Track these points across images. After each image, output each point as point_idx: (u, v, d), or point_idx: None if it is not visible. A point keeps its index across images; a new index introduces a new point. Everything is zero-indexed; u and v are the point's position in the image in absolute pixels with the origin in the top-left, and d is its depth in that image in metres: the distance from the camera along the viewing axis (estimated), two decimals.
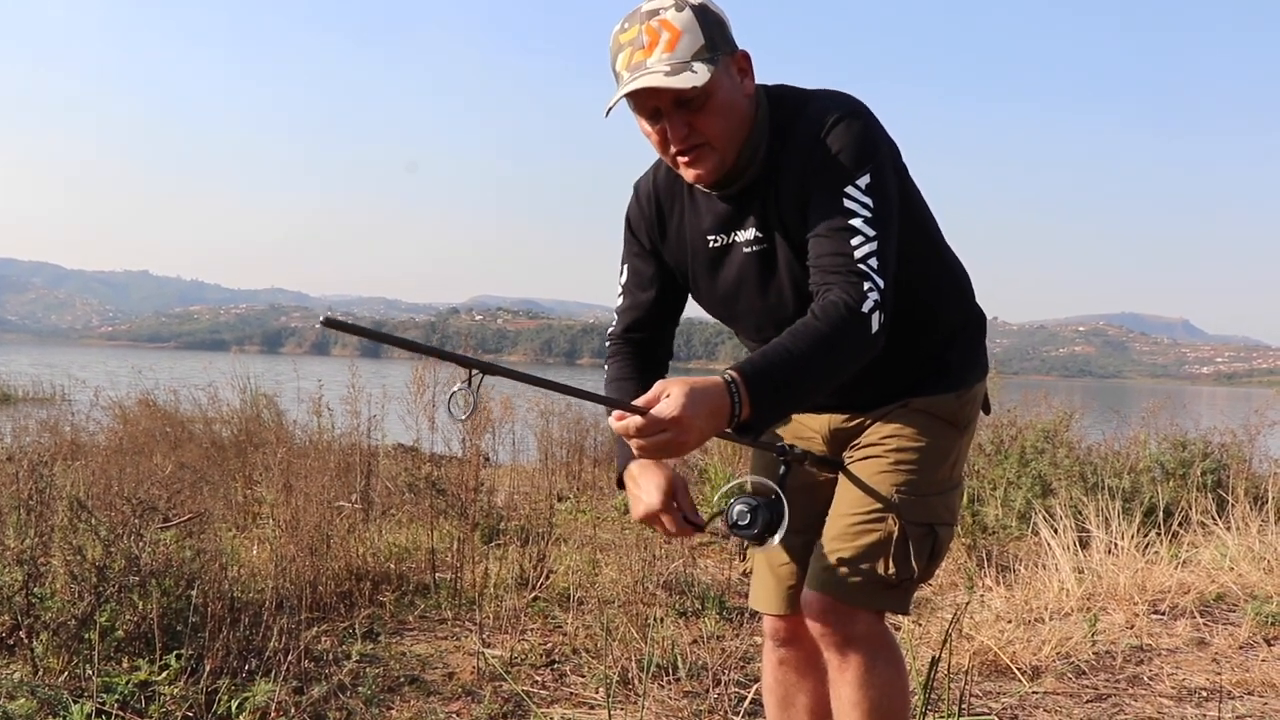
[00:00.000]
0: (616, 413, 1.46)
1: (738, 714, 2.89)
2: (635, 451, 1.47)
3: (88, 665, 2.62)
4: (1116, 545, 4.66)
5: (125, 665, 2.73)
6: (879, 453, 1.80)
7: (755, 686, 2.90)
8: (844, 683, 1.74)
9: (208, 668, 2.66)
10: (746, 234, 1.74)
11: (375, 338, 1.36)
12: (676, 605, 3.92)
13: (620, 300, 1.94)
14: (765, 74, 1.73)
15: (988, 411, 1.98)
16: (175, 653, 2.74)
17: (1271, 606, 3.98)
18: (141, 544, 3.02)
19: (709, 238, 1.79)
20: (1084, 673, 3.41)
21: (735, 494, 1.76)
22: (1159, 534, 5.01)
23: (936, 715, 2.74)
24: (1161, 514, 5.28)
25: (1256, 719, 3.06)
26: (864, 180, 1.61)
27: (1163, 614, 4.12)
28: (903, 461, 1.77)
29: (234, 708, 2.58)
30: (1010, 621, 3.81)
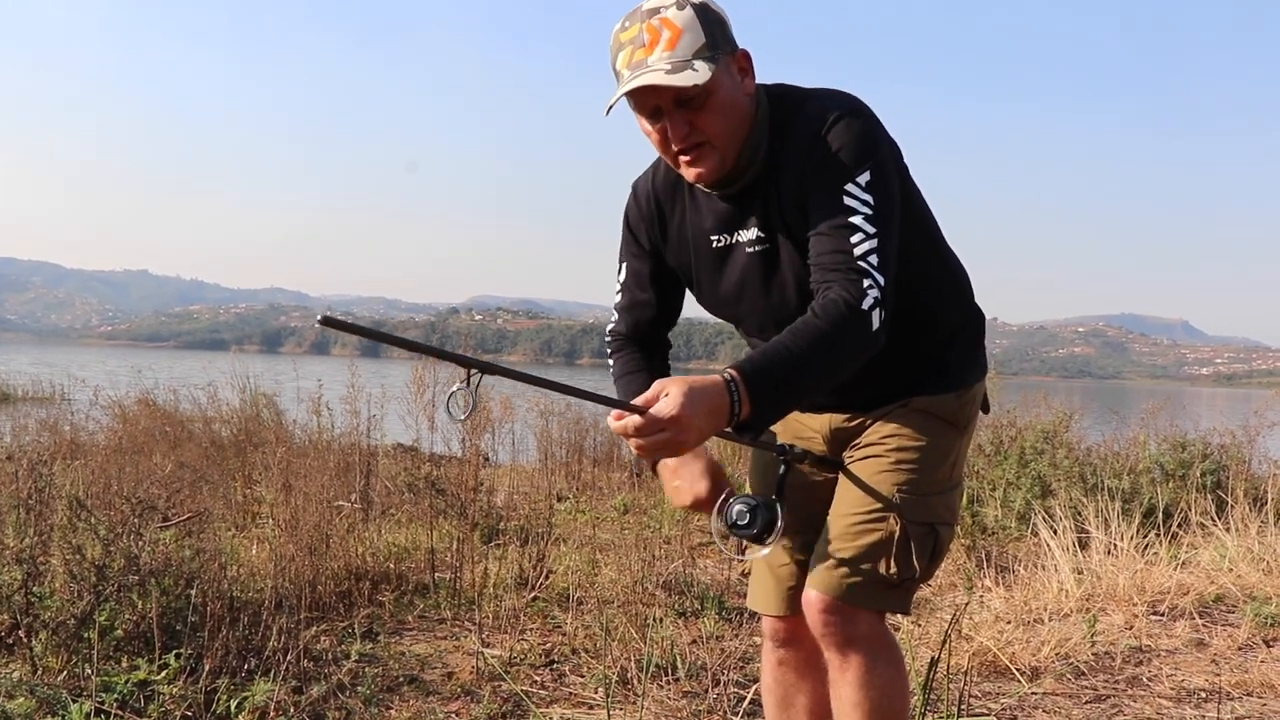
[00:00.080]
0: (615, 412, 1.46)
1: (737, 714, 2.89)
2: (634, 451, 1.47)
3: (87, 664, 2.62)
4: (1116, 546, 4.66)
5: (124, 664, 2.73)
6: (879, 452, 1.80)
7: (754, 687, 2.90)
8: (844, 683, 1.74)
9: (207, 667, 2.65)
10: (749, 234, 1.74)
11: (372, 336, 1.36)
12: (676, 605, 3.92)
13: (618, 298, 1.94)
14: (765, 74, 1.72)
15: (987, 411, 1.98)
16: (174, 652, 2.74)
17: (1270, 608, 3.98)
18: (141, 543, 3.01)
19: (712, 238, 1.79)
20: (1083, 673, 3.41)
21: (734, 494, 1.76)
22: (1158, 535, 5.02)
23: (936, 716, 2.74)
24: (1161, 515, 5.28)
25: None
26: (864, 178, 1.61)
27: (1162, 615, 4.12)
28: (903, 461, 1.77)
29: (233, 707, 2.58)
30: (1009, 622, 3.81)
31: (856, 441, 1.86)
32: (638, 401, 1.45)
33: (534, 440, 8.55)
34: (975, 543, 5.20)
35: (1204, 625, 4.00)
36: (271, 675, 2.76)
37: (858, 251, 1.57)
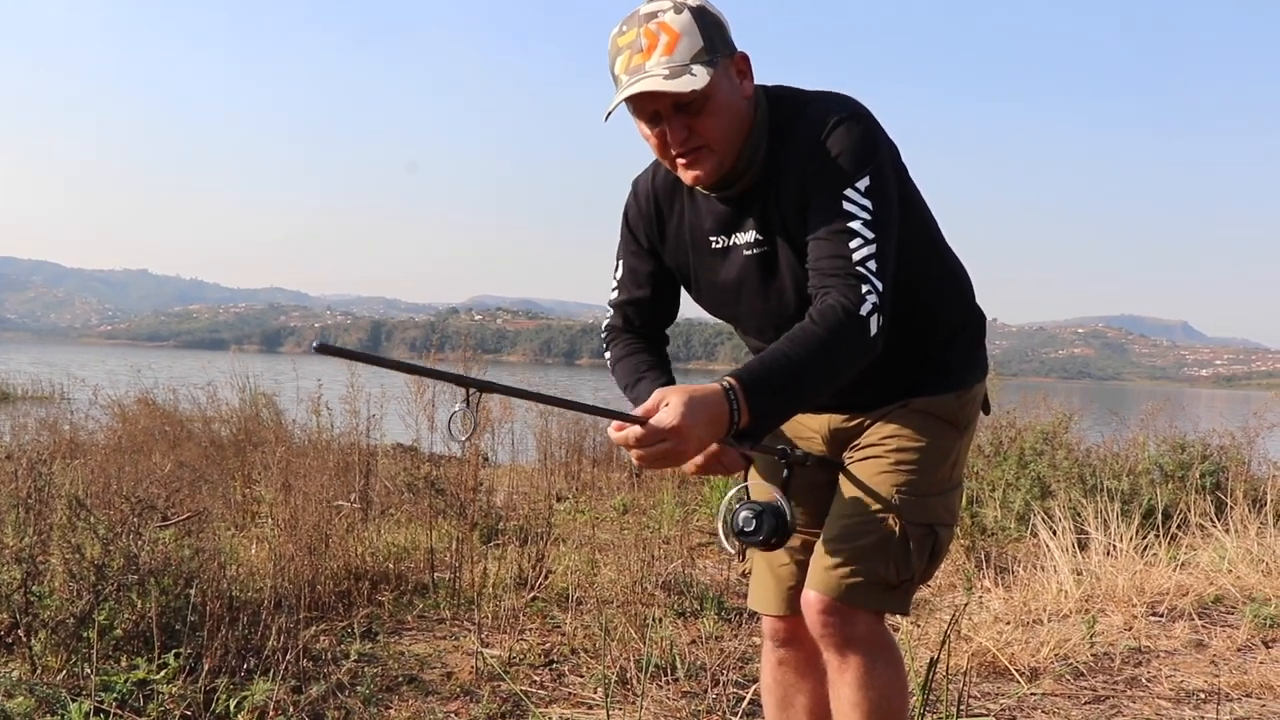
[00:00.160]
0: (616, 422, 1.46)
1: (736, 714, 2.89)
2: (635, 462, 1.48)
3: (86, 664, 2.62)
4: (1115, 547, 4.67)
5: (123, 664, 2.73)
6: (879, 453, 1.80)
7: (754, 687, 2.90)
8: (843, 683, 1.74)
9: (206, 666, 2.66)
10: (747, 236, 1.74)
11: (369, 361, 1.36)
12: (675, 605, 3.92)
13: (615, 295, 1.93)
14: (765, 75, 1.73)
15: (987, 412, 1.98)
16: (174, 651, 2.74)
17: (1270, 609, 3.99)
18: (140, 543, 3.01)
19: (710, 239, 1.79)
20: (1082, 674, 3.41)
21: (738, 500, 1.75)
22: (1157, 536, 5.02)
23: (935, 716, 2.74)
24: (1160, 516, 5.28)
25: None
26: (863, 183, 1.61)
27: (1161, 616, 4.13)
28: (903, 462, 1.77)
29: (232, 707, 2.58)
30: (1009, 623, 3.81)
31: (856, 442, 1.86)
32: (638, 412, 1.45)
33: (533, 440, 8.55)
34: (974, 543, 5.20)
35: (1203, 626, 4.00)
36: (271, 675, 2.76)
37: (856, 257, 1.58)
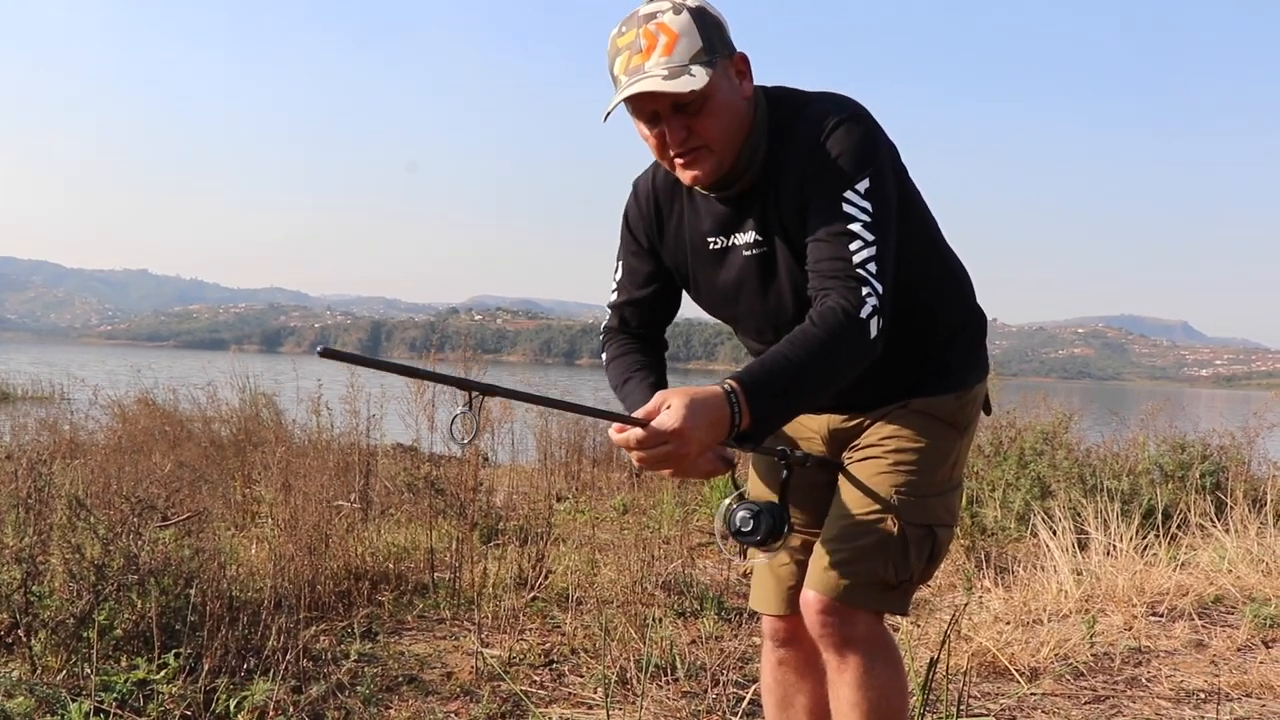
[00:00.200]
0: (617, 425, 1.46)
1: (736, 714, 2.89)
2: (636, 464, 1.48)
3: (86, 664, 2.62)
4: (1115, 547, 4.67)
5: (123, 664, 2.73)
6: (878, 454, 1.80)
7: (754, 687, 2.90)
8: (843, 683, 1.74)
9: (206, 666, 2.66)
10: (746, 236, 1.74)
11: (372, 365, 1.35)
12: (675, 605, 3.92)
13: (614, 295, 1.93)
14: (765, 75, 1.73)
15: (989, 412, 1.98)
16: (174, 651, 2.74)
17: (1270, 609, 3.99)
18: (140, 543, 3.01)
19: (709, 240, 1.79)
20: (1082, 674, 3.41)
21: (737, 499, 1.75)
22: (1157, 536, 5.02)
23: (935, 716, 2.74)
24: (1160, 516, 5.28)
25: None
26: (863, 185, 1.61)
27: (1161, 616, 4.13)
28: (902, 463, 1.77)
29: (232, 707, 2.58)
30: (1009, 623, 3.81)
31: (856, 442, 1.86)
32: (639, 414, 1.45)
33: (533, 440, 8.55)
34: (974, 543, 5.20)
35: (1203, 626, 4.00)
36: (271, 675, 2.76)
37: (856, 259, 1.58)
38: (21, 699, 2.41)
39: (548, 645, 3.49)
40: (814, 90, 1.74)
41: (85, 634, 2.73)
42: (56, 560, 2.90)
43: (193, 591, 3.03)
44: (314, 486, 4.26)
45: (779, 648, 1.98)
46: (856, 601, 1.73)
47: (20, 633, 2.78)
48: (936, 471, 1.80)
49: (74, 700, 2.45)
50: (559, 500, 6.94)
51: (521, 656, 3.33)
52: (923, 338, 1.82)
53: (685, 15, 1.59)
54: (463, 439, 1.34)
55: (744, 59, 1.67)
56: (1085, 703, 3.17)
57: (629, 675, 3.10)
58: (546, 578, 4.14)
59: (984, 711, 3.04)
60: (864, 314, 1.55)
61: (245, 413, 7.88)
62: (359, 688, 2.88)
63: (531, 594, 3.99)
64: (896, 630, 3.65)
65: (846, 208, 1.60)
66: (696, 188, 1.76)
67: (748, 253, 1.75)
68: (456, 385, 1.35)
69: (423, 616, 3.79)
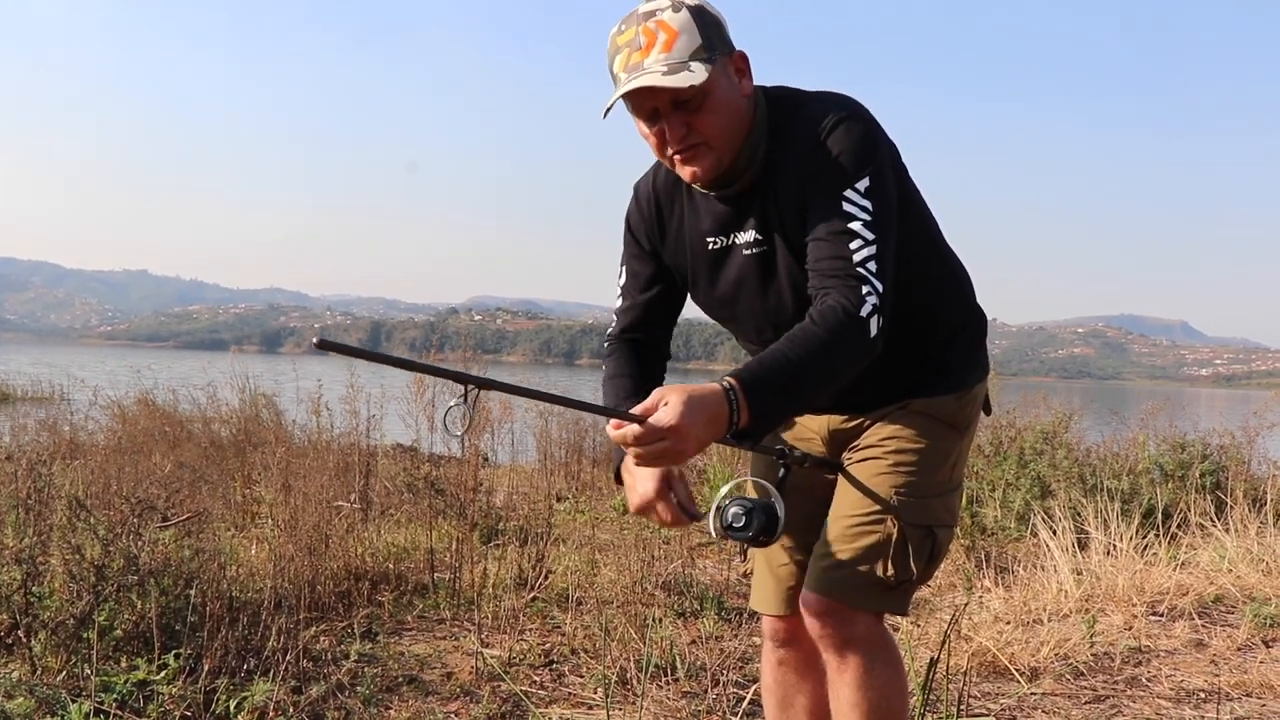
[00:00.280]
0: (614, 421, 1.46)
1: (736, 714, 2.89)
2: (633, 460, 1.47)
3: (86, 664, 2.62)
4: (1115, 547, 4.67)
5: (123, 664, 2.73)
6: (878, 454, 1.80)
7: (754, 687, 2.90)
8: (843, 684, 1.74)
9: (206, 667, 2.65)
10: (746, 236, 1.74)
11: (367, 357, 1.35)
12: (675, 606, 3.92)
13: (619, 301, 1.94)
14: (765, 75, 1.73)
15: (989, 413, 1.98)
16: (174, 652, 2.74)
17: (1270, 608, 3.99)
18: (140, 543, 3.01)
19: (708, 239, 1.79)
20: (1082, 674, 3.41)
21: (733, 494, 1.75)
22: (1157, 536, 5.02)
23: (935, 716, 2.74)
24: (1160, 516, 5.28)
25: None
26: (863, 183, 1.61)
27: (1161, 616, 4.12)
28: (902, 463, 1.77)
29: (232, 707, 2.58)
30: (1009, 623, 3.81)
31: (855, 443, 1.86)
32: (636, 410, 1.45)
33: (533, 440, 8.55)
34: (974, 543, 5.20)
35: (1203, 626, 4.00)
36: (271, 675, 2.76)
37: (856, 258, 1.57)
38: (21, 700, 2.40)
39: (548, 645, 3.49)
40: (814, 90, 1.74)
41: (85, 635, 2.73)
42: (56, 561, 2.90)
43: (193, 592, 3.03)
44: (314, 487, 4.25)
45: (779, 648, 1.98)
46: (856, 602, 1.73)
47: (20, 633, 2.78)
48: (936, 472, 1.80)
49: (74, 701, 2.45)
50: (559, 500, 6.94)
51: (521, 657, 3.33)
52: (923, 338, 1.82)
53: (685, 13, 1.60)
54: (456, 431, 1.34)
55: (743, 57, 1.67)
56: (1085, 702, 3.17)
57: (629, 675, 3.10)
58: (546, 578, 4.14)
59: (984, 711, 3.04)
60: (864, 312, 1.55)
61: (245, 413, 7.88)
62: (359, 688, 2.88)
63: (531, 594, 3.99)
64: (896, 630, 3.65)
65: (846, 206, 1.60)
66: (697, 187, 1.76)
67: (748, 252, 1.74)
68: (452, 378, 1.35)
69: (423, 617, 3.79)
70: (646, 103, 1.62)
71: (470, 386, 1.34)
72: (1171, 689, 3.30)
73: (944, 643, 2.81)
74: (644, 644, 3.28)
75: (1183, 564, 4.74)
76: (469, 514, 4.39)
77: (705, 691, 3.03)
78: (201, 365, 10.01)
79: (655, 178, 1.86)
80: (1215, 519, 5.49)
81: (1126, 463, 6.37)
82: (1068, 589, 4.25)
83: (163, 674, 2.64)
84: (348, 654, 3.04)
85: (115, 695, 2.54)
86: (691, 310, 1.98)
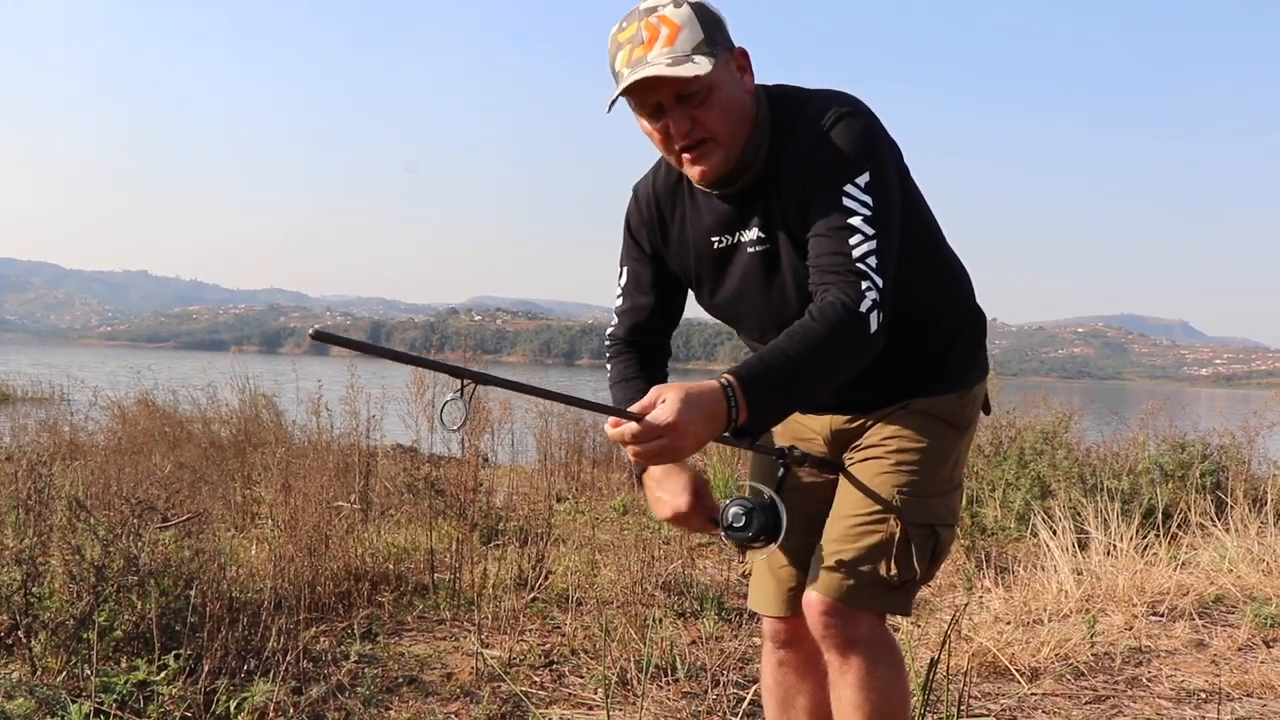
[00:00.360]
0: (612, 419, 1.45)
1: (736, 715, 2.89)
2: (631, 458, 1.47)
3: (86, 665, 2.62)
4: (1115, 547, 4.66)
5: (123, 665, 2.73)
6: (880, 454, 1.79)
7: (754, 687, 2.90)
8: (845, 684, 1.73)
9: (206, 668, 2.65)
10: (750, 234, 1.74)
11: (362, 349, 1.35)
12: (675, 606, 3.92)
13: (619, 302, 1.93)
14: (765, 74, 1.72)
15: (988, 412, 1.98)
16: (174, 653, 2.74)
17: (1270, 608, 3.99)
18: (140, 544, 3.01)
19: (712, 239, 1.78)
20: (1083, 674, 3.41)
21: (732, 495, 1.75)
22: (1158, 536, 5.02)
23: (935, 717, 2.73)
24: (1160, 516, 5.28)
25: None
26: (864, 179, 1.61)
27: (1161, 616, 4.12)
28: (904, 463, 1.77)
29: (232, 708, 2.58)
30: (1009, 623, 3.80)
31: (857, 443, 1.85)
32: (634, 408, 1.44)
33: (533, 441, 8.55)
34: (975, 543, 5.20)
35: (1204, 626, 4.00)
36: (271, 676, 2.75)
37: (856, 253, 1.57)
38: (21, 700, 2.40)
39: (548, 646, 3.49)
40: (815, 88, 1.74)
41: (85, 635, 2.73)
42: (56, 561, 2.90)
43: (193, 593, 3.03)
44: (314, 487, 4.25)
45: (779, 649, 1.98)
46: (859, 603, 1.73)
47: (20, 634, 2.78)
48: (938, 471, 1.79)
49: (74, 701, 2.45)
50: (559, 501, 6.94)
51: (521, 657, 3.33)
52: (923, 337, 1.81)
53: (685, 8, 1.60)
54: (452, 425, 1.34)
55: (744, 54, 1.67)
56: (1086, 703, 3.17)
57: (629, 676, 3.10)
58: (546, 578, 4.14)
59: (984, 712, 3.04)
60: (863, 308, 1.54)
61: (245, 414, 7.88)
62: (359, 689, 2.87)
63: (531, 595, 3.99)
64: (897, 630, 3.65)
65: (847, 202, 1.60)
66: (699, 186, 1.75)
67: (752, 250, 1.74)
68: (448, 372, 1.35)
69: (423, 617, 3.79)
70: (651, 97, 1.61)
71: (466, 381, 1.34)
72: (1172, 689, 3.30)
73: (944, 643, 2.81)
74: (644, 644, 3.28)
75: (1183, 564, 4.74)
76: (469, 514, 4.39)
77: (705, 692, 3.03)
78: (201, 366, 10.01)
79: (655, 179, 1.86)
80: (1215, 519, 5.48)
81: (1126, 463, 6.37)
82: (1068, 589, 4.25)
83: (163, 674, 2.64)
84: (348, 654, 3.04)
85: (115, 696, 2.53)
86: (692, 310, 1.97)
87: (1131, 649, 3.67)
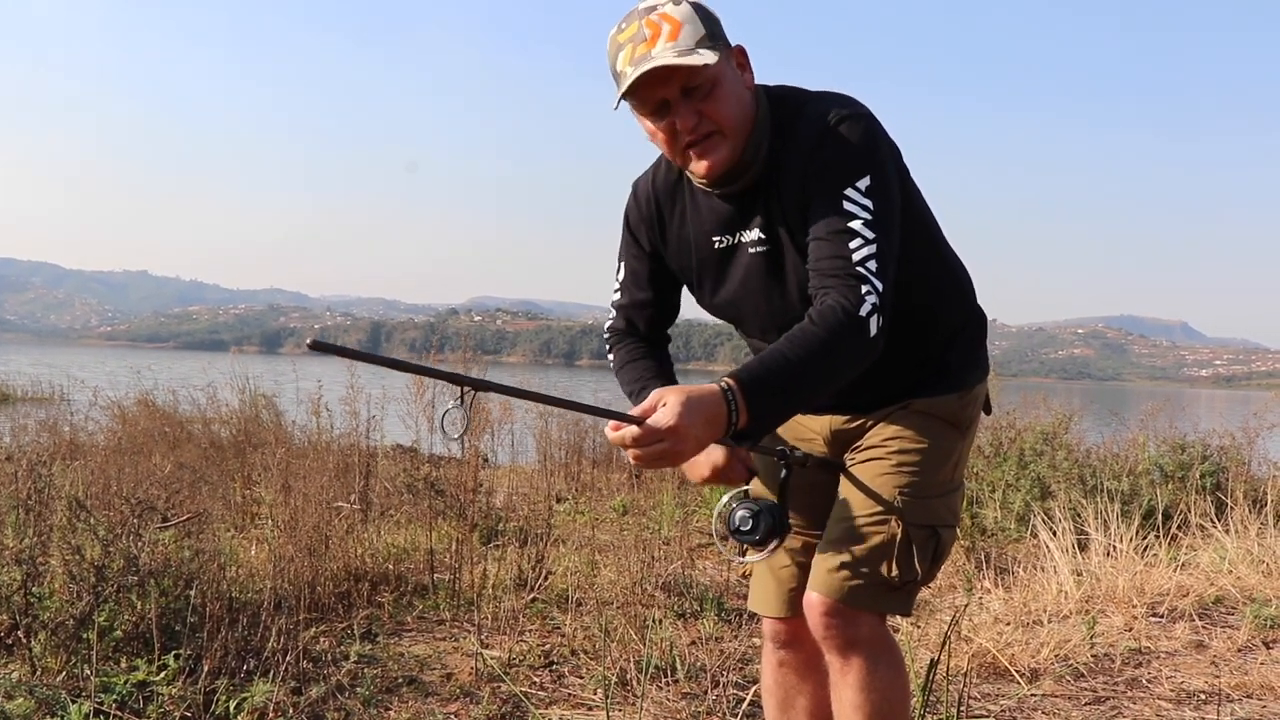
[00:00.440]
0: (613, 422, 1.46)
1: (736, 715, 2.89)
2: (631, 462, 1.47)
3: (86, 665, 2.62)
4: (1115, 548, 4.66)
5: (123, 665, 2.73)
6: (881, 455, 1.80)
7: (754, 688, 2.90)
8: (846, 685, 1.73)
9: (206, 668, 2.65)
10: (751, 234, 1.74)
11: (361, 358, 1.35)
12: (675, 606, 3.92)
13: (617, 296, 1.93)
14: (765, 74, 1.73)
15: (989, 413, 1.98)
16: (173, 653, 2.74)
17: (1270, 609, 3.98)
18: (140, 544, 3.01)
19: (713, 239, 1.78)
20: (1082, 675, 3.41)
21: (737, 498, 1.75)
22: (1158, 537, 5.01)
23: (935, 717, 2.73)
24: (1160, 516, 5.28)
25: None
26: (864, 182, 1.61)
27: (1161, 617, 4.12)
28: (905, 463, 1.77)
29: (232, 708, 2.58)
30: (1009, 624, 3.80)
31: (858, 443, 1.85)
32: (635, 412, 1.45)
33: (533, 441, 8.54)
34: (975, 544, 5.20)
35: (1203, 627, 3.99)
36: (270, 676, 2.75)
37: (856, 257, 1.57)
38: (21, 700, 2.40)
39: (547, 646, 3.49)
40: (815, 89, 1.74)
41: (85, 635, 2.73)
42: (56, 562, 2.90)
43: (192, 593, 3.03)
44: (314, 488, 4.25)
45: (780, 649, 1.98)
46: (860, 603, 1.73)
47: (20, 634, 2.78)
48: (939, 472, 1.79)
49: (74, 702, 2.45)
50: (559, 501, 6.94)
51: (521, 658, 3.32)
52: (923, 338, 1.82)
53: (685, 5, 1.61)
54: (453, 434, 1.35)
55: (743, 51, 1.68)
56: (1085, 704, 3.17)
57: (629, 676, 3.10)
58: (546, 579, 4.14)
59: (984, 712, 3.04)
60: (863, 312, 1.54)
61: (245, 414, 7.88)
62: (359, 689, 2.87)
63: (531, 595, 3.99)
64: (897, 631, 3.64)
65: (847, 205, 1.60)
66: (701, 185, 1.75)
67: (753, 250, 1.74)
68: (448, 380, 1.35)
69: (422, 618, 3.79)
70: (656, 93, 1.61)
71: (466, 389, 1.34)
72: (1172, 690, 3.30)
73: (944, 644, 2.81)
74: (644, 645, 3.28)
75: (1183, 565, 4.74)
76: (469, 515, 4.39)
77: (705, 693, 3.03)
78: (201, 366, 10.01)
79: (655, 176, 1.86)
80: (1215, 520, 5.48)
81: (1126, 464, 6.37)
82: (1068, 590, 4.25)
83: (162, 675, 2.64)
84: (347, 655, 3.04)
85: (115, 696, 2.53)
86: (691, 310, 1.98)
87: (1131, 650, 3.67)
